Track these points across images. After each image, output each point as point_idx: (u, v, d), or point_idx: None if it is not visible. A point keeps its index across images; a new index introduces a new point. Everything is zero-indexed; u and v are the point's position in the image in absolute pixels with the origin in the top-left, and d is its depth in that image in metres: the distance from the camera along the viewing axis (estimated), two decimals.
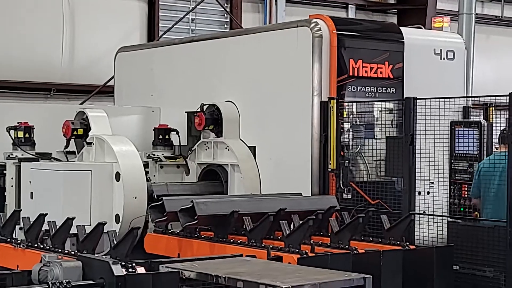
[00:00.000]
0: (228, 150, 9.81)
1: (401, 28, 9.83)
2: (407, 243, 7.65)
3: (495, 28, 18.41)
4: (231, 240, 7.75)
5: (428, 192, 9.16)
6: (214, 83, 10.34)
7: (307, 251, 7.09)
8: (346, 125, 9.36)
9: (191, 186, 9.84)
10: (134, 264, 5.97)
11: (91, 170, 8.79)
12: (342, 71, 9.17)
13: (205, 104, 10.06)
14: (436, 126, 8.89)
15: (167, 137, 10.48)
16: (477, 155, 9.03)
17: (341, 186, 9.10)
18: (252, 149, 9.76)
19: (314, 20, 9.17)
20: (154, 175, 10.32)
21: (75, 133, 9.44)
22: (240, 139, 9.92)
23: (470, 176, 9.08)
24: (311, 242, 7.62)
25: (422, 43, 9.84)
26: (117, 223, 8.74)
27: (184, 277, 5.89)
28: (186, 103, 10.38)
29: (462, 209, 9.07)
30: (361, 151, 9.41)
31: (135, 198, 8.67)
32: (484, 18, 18.14)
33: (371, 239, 7.89)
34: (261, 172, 9.66)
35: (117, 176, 8.75)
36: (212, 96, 10.21)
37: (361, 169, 9.45)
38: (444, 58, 9.98)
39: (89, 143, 9.25)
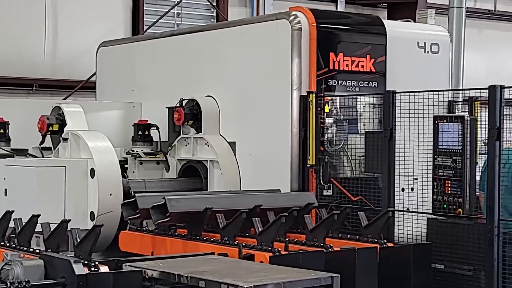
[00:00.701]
0: (208, 146, 9.63)
1: (384, 21, 9.61)
2: (385, 241, 7.45)
3: (487, 22, 18.19)
4: (205, 238, 7.55)
5: (412, 189, 8.96)
6: (195, 77, 10.15)
7: (279, 249, 6.89)
8: (330, 120, 9.17)
9: (170, 183, 9.65)
10: (97, 263, 5.86)
11: (65, 166, 8.61)
12: (322, 65, 8.98)
13: (185, 99, 9.87)
14: (420, 121, 8.69)
15: (146, 132, 10.29)
16: (461, 151, 8.82)
17: (321, 182, 8.91)
18: (232, 144, 9.57)
19: (294, 12, 8.97)
20: (134, 172, 10.14)
21: (50, 128, 9.26)
22: (220, 135, 9.74)
23: (453, 172, 8.87)
24: (286, 239, 7.45)
25: (405, 36, 9.64)
26: (92, 220, 8.58)
27: (147, 276, 5.74)
28: (167, 98, 10.18)
29: (445, 205, 8.87)
30: (344, 146, 9.21)
31: (110, 195, 8.51)
32: (477, 12, 17.93)
33: (348, 236, 7.70)
34: (241, 168, 9.47)
35: (92, 172, 8.59)
36: (194, 91, 10.02)
37: (344, 165, 9.26)
38: (428, 52, 9.77)
39: (65, 139, 9.07)
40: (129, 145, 10.32)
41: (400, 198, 8.64)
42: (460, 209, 8.71)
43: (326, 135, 9.04)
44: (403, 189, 8.85)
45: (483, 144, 9.00)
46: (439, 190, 8.97)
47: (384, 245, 7.37)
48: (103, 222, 8.29)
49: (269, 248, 6.88)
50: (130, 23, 13.85)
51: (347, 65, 9.13)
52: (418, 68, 9.65)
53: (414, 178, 8.96)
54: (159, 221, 7.56)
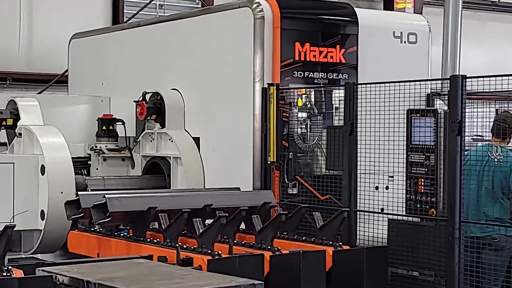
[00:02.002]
0: (172, 141, 9.16)
1: (356, 9, 9.06)
2: (340, 243, 6.95)
3: (491, 14, 17.51)
4: (148, 239, 7.09)
5: (387, 187, 8.44)
6: (162, 70, 9.69)
7: (220, 252, 6.41)
8: (303, 115, 8.68)
9: (132, 180, 9.21)
10: (10, 267, 5.51)
11: (13, 163, 8.15)
12: (287, 55, 8.46)
13: (148, 92, 9.41)
14: (395, 115, 8.14)
15: (111, 128, 9.84)
16: (434, 147, 8.28)
17: (286, 180, 8.40)
18: (197, 140, 9.09)
19: (257, 0, 8.45)
20: (97, 169, 9.71)
21: (4, 123, 8.81)
22: (185, 130, 9.25)
23: (426, 169, 8.33)
24: (235, 241, 6.97)
25: (379, 25, 9.09)
26: (42, 219, 8.14)
27: (58, 282, 5.32)
28: (136, 91, 9.69)
29: (418, 205, 8.33)
30: (319, 142, 8.69)
31: (61, 193, 8.03)
32: (480, 4, 17.27)
33: (304, 238, 7.20)
34: (205, 165, 8.99)
35: (42, 169, 8.13)
36: (160, 84, 9.55)
37: (317, 162, 8.75)
38: (405, 42, 9.21)
39: (19, 134, 8.64)
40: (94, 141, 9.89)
41: (375, 198, 8.11)
42: (433, 210, 8.19)
43: (299, 130, 8.55)
44: (377, 187, 8.34)
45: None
46: (413, 189, 8.46)
47: (338, 248, 6.87)
48: (54, 222, 7.97)
49: (209, 251, 6.40)
50: (110, 15, 13.38)
51: (314, 56, 8.61)
52: (393, 60, 9.09)
53: (389, 176, 8.44)
54: (100, 221, 7.09)
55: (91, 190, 8.57)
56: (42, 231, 8.14)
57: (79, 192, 7.42)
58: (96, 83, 10.78)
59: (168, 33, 9.61)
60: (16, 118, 8.77)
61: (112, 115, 9.96)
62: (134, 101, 9.61)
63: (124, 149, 9.73)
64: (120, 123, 9.82)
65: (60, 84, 12.31)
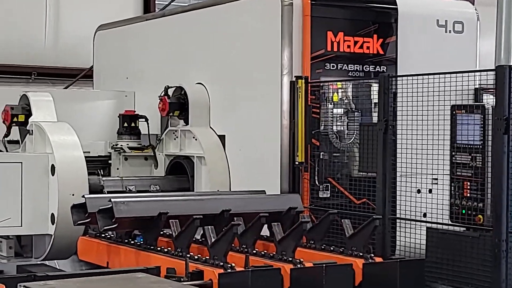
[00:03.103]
0: (196, 139, 8.48)
1: None
2: (372, 255, 6.20)
3: None
4: (159, 248, 6.42)
5: (430, 190, 7.65)
6: (186, 62, 9.02)
7: (234, 264, 5.71)
8: (339, 111, 7.94)
9: (152, 181, 8.54)
10: None
11: (21, 163, 7.55)
12: (318, 46, 7.72)
13: (171, 87, 8.75)
14: (438, 111, 7.35)
15: (133, 124, 9.20)
16: (481, 146, 7.46)
17: (316, 182, 7.67)
18: (222, 138, 8.40)
19: None
20: (118, 169, 9.07)
21: (15, 119, 8.21)
22: (210, 127, 8.57)
23: (473, 171, 7.52)
24: (253, 251, 6.27)
25: (421, 13, 8.27)
26: (53, 224, 7.51)
27: None
28: (162, 86, 9.00)
29: (463, 211, 7.52)
30: (356, 141, 7.94)
31: (72, 195, 7.37)
32: None
33: (332, 248, 6.48)
34: (231, 166, 8.29)
35: (52, 169, 7.52)
36: (185, 77, 8.89)
37: (353, 162, 7.98)
38: (450, 31, 8.38)
39: (31, 131, 8.03)
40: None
41: (417, 202, 7.32)
42: (480, 216, 7.37)
43: (335, 128, 7.81)
44: (419, 191, 7.54)
45: None
46: (457, 193, 7.65)
47: (370, 260, 6.12)
48: (65, 226, 7.36)
49: (221, 264, 5.71)
50: (141, 5, 12.71)
51: (348, 47, 7.86)
52: (437, 51, 8.26)
53: (433, 179, 7.65)
54: (106, 227, 6.45)
55: (108, 192, 7.95)
56: (53, 236, 7.54)
57: (85, 195, 6.77)
58: (120, 77, 10.19)
59: (192, 23, 8.95)
60: (28, 114, 8.18)
61: (135, 111, 9.33)
62: (159, 97, 8.96)
63: (147, 147, 9.09)
64: (143, 119, 9.17)
65: (88, 79, 11.70)
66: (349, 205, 7.53)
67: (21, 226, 7.56)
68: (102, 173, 8.53)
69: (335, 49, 7.81)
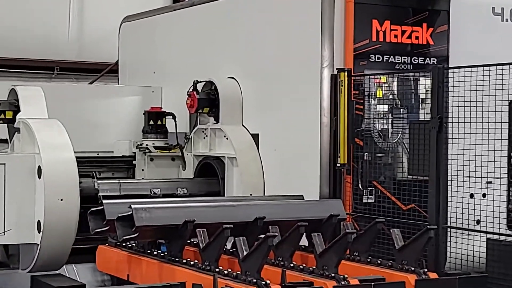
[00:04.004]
0: (227, 138, 7.79)
1: None
2: (425, 270, 5.46)
3: None
4: (184, 261, 5.73)
5: (484, 195, 6.93)
6: (216, 55, 8.35)
7: (269, 281, 5.01)
8: (383, 108, 7.22)
9: (169, 184, 7.83)
10: None
11: (4, 164, 6.70)
12: (362, 35, 7.02)
13: (200, 81, 8.07)
14: (495, 106, 6.59)
15: (159, 122, 8.53)
16: None
17: (360, 186, 6.94)
18: (256, 137, 7.71)
19: None
20: (143, 170, 8.42)
21: (2, 116, 7.42)
22: (243, 125, 7.88)
23: None
24: (290, 265, 5.56)
25: (475, 0, 7.51)
26: (39, 232, 6.60)
27: None
28: (191, 81, 8.31)
29: None
30: (403, 140, 7.21)
31: (61, 200, 6.52)
32: None
33: (379, 262, 5.74)
34: (265, 167, 7.61)
35: (39, 171, 6.67)
36: (216, 71, 8.22)
37: (400, 164, 7.26)
38: (507, 19, 7.64)
39: (18, 129, 7.18)
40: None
41: (470, 207, 6.58)
42: None
43: (378, 126, 7.10)
44: (471, 195, 6.81)
45: None
46: None
47: (423, 276, 5.38)
48: (52, 235, 6.57)
49: (254, 281, 5.01)
50: None
51: (395, 36, 7.14)
52: (493, 41, 7.52)
53: (487, 182, 6.92)
54: (125, 236, 5.76)
55: (103, 197, 7.20)
56: (39, 246, 6.63)
57: (103, 200, 6.09)
58: (147, 71, 9.57)
59: (223, 12, 8.28)
60: (17, 110, 7.33)
61: (161, 108, 8.67)
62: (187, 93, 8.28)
63: (174, 147, 8.43)
64: (170, 117, 8.50)
65: (113, 74, 11.07)
66: (396, 212, 6.82)
67: (4, 234, 6.70)
68: (97, 175, 7.72)
69: (381, 39, 7.11)
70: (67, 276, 7.46)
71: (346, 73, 6.75)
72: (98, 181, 7.43)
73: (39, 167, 6.54)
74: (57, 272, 7.49)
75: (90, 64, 11.68)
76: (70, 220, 6.45)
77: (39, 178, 6.52)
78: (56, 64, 11.58)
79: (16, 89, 7.24)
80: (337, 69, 6.81)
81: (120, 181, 7.61)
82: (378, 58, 7.10)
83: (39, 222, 6.50)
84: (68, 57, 11.73)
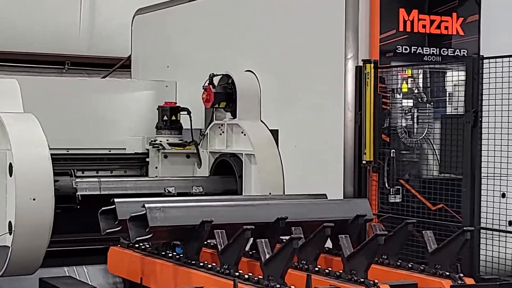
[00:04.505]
0: (244, 135, 7.43)
1: None
2: (460, 275, 5.07)
3: None
4: (202, 264, 5.35)
5: None
6: (235, 48, 7.98)
7: (292, 287, 4.63)
8: (408, 103, 6.84)
9: (160, 183, 7.44)
10: None
11: None
12: (389, 25, 6.62)
13: (217, 75, 7.70)
14: None
15: (174, 118, 8.17)
16: None
17: (386, 185, 6.55)
18: (275, 133, 7.34)
19: None
20: (156, 167, 8.07)
21: None
22: (261, 121, 7.50)
23: None
24: (315, 268, 5.19)
25: None
26: (10, 234, 6.12)
27: None
28: (206, 75, 7.94)
29: None
30: (428, 137, 6.84)
31: (33, 199, 6.04)
32: None
33: (410, 265, 5.36)
34: (285, 165, 7.23)
35: (10, 169, 6.22)
36: (233, 64, 7.86)
37: (426, 162, 6.88)
38: None
39: None
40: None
41: (502, 207, 6.19)
42: None
43: (402, 122, 6.71)
44: (504, 195, 6.40)
45: None
46: None
47: (459, 282, 5.00)
48: (24, 237, 6.06)
49: (278, 286, 4.63)
50: None
51: (423, 27, 6.74)
52: None
53: None
54: (138, 237, 5.39)
55: (81, 197, 6.84)
56: (10, 249, 6.13)
57: (115, 199, 5.71)
58: (160, 65, 9.20)
59: (241, 3, 7.93)
60: None
61: (176, 103, 8.31)
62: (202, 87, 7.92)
63: (189, 144, 8.06)
64: (185, 112, 8.14)
65: (125, 69, 10.71)
66: (424, 212, 6.43)
67: None
68: (75, 173, 7.26)
69: (408, 29, 6.70)
70: (77, 278, 7.15)
71: (372, 65, 6.36)
72: (77, 180, 6.99)
73: (10, 164, 6.08)
74: (67, 274, 7.22)
75: (101, 58, 11.33)
76: (43, 221, 5.98)
77: (10, 176, 6.05)
78: (66, 59, 11.25)
79: None
80: (363, 60, 6.42)
81: (100, 180, 7.19)
82: (405, 49, 6.71)
83: (10, 223, 6.02)
84: (79, 52, 11.40)
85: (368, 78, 6.36)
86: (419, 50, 6.76)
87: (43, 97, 8.25)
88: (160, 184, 7.38)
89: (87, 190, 6.94)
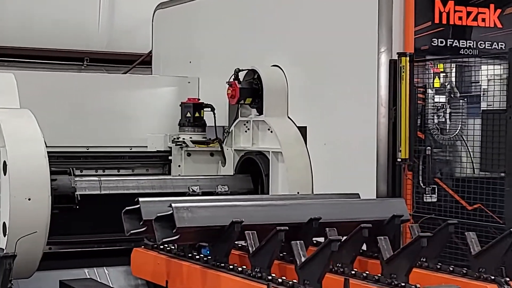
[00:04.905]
0: (271, 132, 7.16)
1: None
2: (507, 279, 4.79)
3: None
4: (231, 266, 5.09)
5: None
6: (261, 41, 7.71)
7: None
8: (440, 99, 6.56)
9: (163, 183, 7.19)
10: None
11: None
12: (423, 17, 6.34)
13: (242, 70, 7.44)
14: None
15: (197, 115, 7.92)
16: None
17: (421, 184, 6.26)
18: (303, 130, 7.07)
19: None
20: (179, 166, 7.81)
21: None
22: (288, 117, 7.23)
23: None
24: (351, 271, 4.91)
25: None
26: (4, 235, 5.83)
27: None
28: (231, 70, 7.68)
29: None
30: (462, 134, 6.56)
31: (29, 199, 5.79)
32: None
33: (451, 269, 5.07)
34: (314, 163, 6.96)
35: (4, 167, 5.94)
36: (259, 59, 7.59)
37: (460, 160, 6.60)
38: None
39: None
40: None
41: None
42: None
43: (434, 119, 6.42)
44: None
45: None
46: None
47: (505, 286, 4.71)
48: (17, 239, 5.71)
49: None
50: None
51: (460, 18, 6.44)
52: None
53: None
54: (165, 239, 5.13)
55: (80, 196, 6.51)
56: (4, 251, 5.77)
57: (140, 198, 5.45)
58: (183, 61, 8.94)
59: None
60: None
61: (199, 99, 8.05)
62: (228, 82, 7.67)
63: (213, 141, 7.81)
64: (209, 109, 7.89)
65: (146, 65, 10.49)
66: (461, 212, 6.15)
67: None
68: (73, 172, 6.98)
69: (444, 21, 6.41)
70: (98, 280, 6.93)
71: (408, 58, 6.07)
72: (76, 179, 6.63)
73: (4, 162, 5.81)
74: (87, 276, 6.99)
75: (121, 54, 11.12)
76: (39, 222, 5.70)
77: (4, 174, 5.78)
78: (85, 55, 11.03)
79: None
80: (398, 53, 6.13)
81: (101, 179, 6.93)
82: (441, 42, 6.42)
83: (4, 224, 5.75)
84: (99, 48, 11.19)
85: (403, 72, 6.07)
86: (456, 43, 6.48)
87: (62, 93, 8.08)
88: (172, 183, 7.21)
89: (87, 190, 6.71)
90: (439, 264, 5.21)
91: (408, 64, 6.07)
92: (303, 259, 4.54)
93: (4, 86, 6.38)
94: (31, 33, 10.98)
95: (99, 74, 9.78)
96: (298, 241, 4.62)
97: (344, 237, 4.96)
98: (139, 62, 10.55)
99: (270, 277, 4.70)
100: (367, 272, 4.91)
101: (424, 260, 5.26)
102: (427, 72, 6.41)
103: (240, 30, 8.01)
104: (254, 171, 7.40)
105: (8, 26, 11.02)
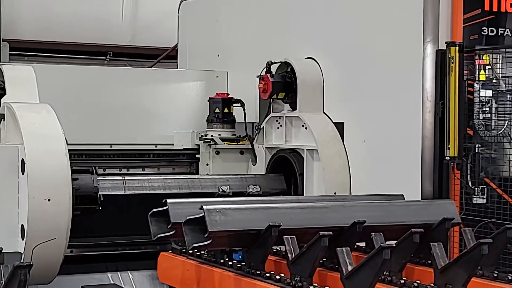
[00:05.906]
0: (306, 128, 6.75)
1: None
2: None
3: None
4: (268, 273, 4.66)
5: None
6: (295, 32, 7.32)
7: None
8: (487, 93, 6.12)
9: (191, 182, 6.78)
10: None
11: None
12: (473, 4, 5.90)
13: (275, 62, 7.04)
14: None
15: (226, 110, 7.52)
16: None
17: (470, 184, 5.81)
18: (340, 127, 6.66)
19: None
20: (207, 164, 7.43)
21: None
22: (324, 113, 6.82)
23: None
24: (401, 280, 4.47)
25: None
26: (23, 238, 5.49)
27: None
28: (261, 64, 7.28)
29: None
30: (509, 130, 6.12)
31: (48, 200, 5.43)
32: None
33: (510, 278, 4.62)
34: (352, 162, 6.54)
35: (22, 165, 5.59)
36: (292, 51, 7.21)
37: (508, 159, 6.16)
38: None
39: (2, 115, 6.08)
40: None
41: None
42: None
43: (480, 114, 5.99)
44: None
45: None
46: None
47: None
48: (38, 242, 5.27)
49: None
50: None
51: None
52: None
53: None
54: (196, 244, 4.71)
55: (103, 197, 6.09)
56: (23, 255, 5.51)
57: (168, 200, 5.04)
58: (210, 54, 8.55)
59: None
60: (3, 93, 6.23)
61: (228, 94, 7.66)
62: (258, 76, 7.26)
63: (243, 138, 7.43)
64: (239, 104, 7.50)
65: (171, 60, 10.15)
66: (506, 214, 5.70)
67: None
68: (96, 171, 6.56)
69: (495, 8, 5.97)
70: (122, 286, 6.56)
71: (457, 48, 5.62)
72: (99, 178, 6.20)
73: (22, 160, 5.44)
74: (111, 281, 6.62)
75: (145, 49, 10.80)
76: (59, 224, 5.34)
77: (23, 173, 5.41)
78: (108, 49, 10.72)
79: (3, 69, 6.10)
80: (446, 43, 5.68)
81: (125, 178, 6.53)
82: (492, 31, 5.97)
83: (22, 226, 5.39)
84: (122, 42, 10.88)
85: (452, 63, 5.62)
86: (508, 32, 6.03)
87: (84, 88, 7.74)
88: (201, 182, 6.81)
89: (110, 190, 6.35)
90: (496, 272, 4.77)
91: (457, 54, 5.62)
92: (349, 268, 4.10)
93: (23, 79, 6.02)
94: (52, 26, 10.70)
95: (123, 68, 9.40)
96: (344, 248, 4.18)
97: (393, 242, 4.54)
98: (164, 56, 10.18)
99: (311, 287, 4.28)
100: (419, 282, 4.48)
101: (479, 268, 4.82)
102: (475, 64, 5.99)
103: (271, 20, 7.61)
104: (287, 170, 7.00)
105: (30, 19, 10.76)
